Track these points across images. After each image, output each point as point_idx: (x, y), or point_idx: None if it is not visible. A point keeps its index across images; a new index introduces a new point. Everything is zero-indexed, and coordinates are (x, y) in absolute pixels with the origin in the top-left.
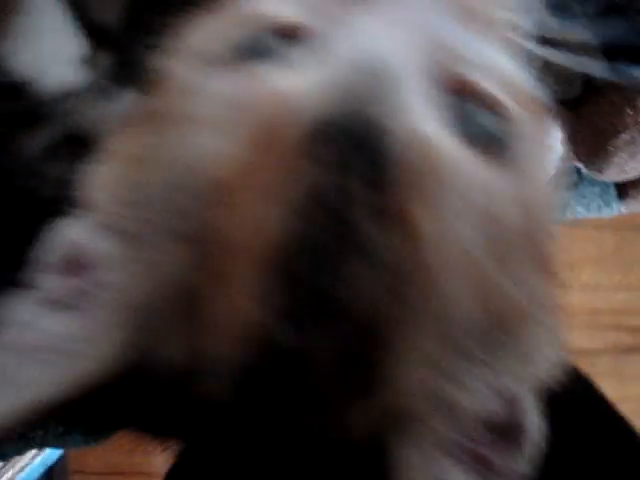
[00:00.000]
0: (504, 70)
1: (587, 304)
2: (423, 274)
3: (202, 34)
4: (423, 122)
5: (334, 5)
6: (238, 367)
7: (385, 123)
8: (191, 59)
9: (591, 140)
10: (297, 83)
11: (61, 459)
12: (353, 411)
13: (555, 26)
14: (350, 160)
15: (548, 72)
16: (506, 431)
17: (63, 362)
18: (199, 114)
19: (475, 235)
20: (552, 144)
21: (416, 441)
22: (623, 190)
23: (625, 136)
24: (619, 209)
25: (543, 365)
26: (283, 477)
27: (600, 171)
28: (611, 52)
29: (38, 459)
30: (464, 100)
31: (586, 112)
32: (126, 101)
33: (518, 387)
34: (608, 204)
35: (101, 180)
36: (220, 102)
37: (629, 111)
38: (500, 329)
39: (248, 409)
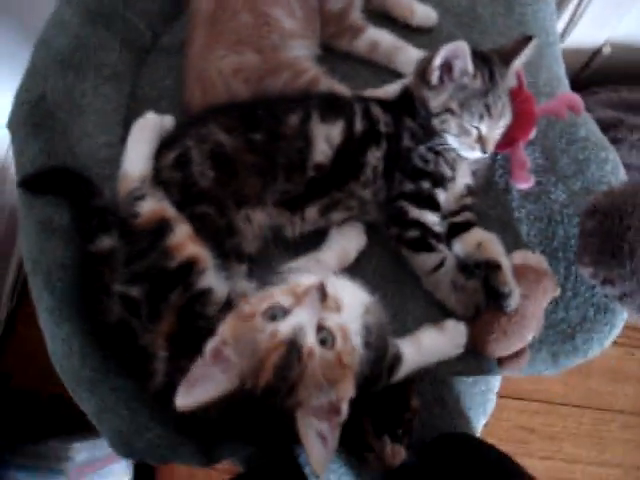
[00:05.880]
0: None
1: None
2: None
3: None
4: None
5: (293, 303)
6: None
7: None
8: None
9: (478, 338)
10: (283, 328)
11: None
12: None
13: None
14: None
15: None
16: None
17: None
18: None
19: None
20: None
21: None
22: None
23: (494, 335)
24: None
25: None
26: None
27: (484, 353)
28: None
29: None
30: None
31: (474, 322)
32: None
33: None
34: None
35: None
36: (262, 336)
37: (496, 324)
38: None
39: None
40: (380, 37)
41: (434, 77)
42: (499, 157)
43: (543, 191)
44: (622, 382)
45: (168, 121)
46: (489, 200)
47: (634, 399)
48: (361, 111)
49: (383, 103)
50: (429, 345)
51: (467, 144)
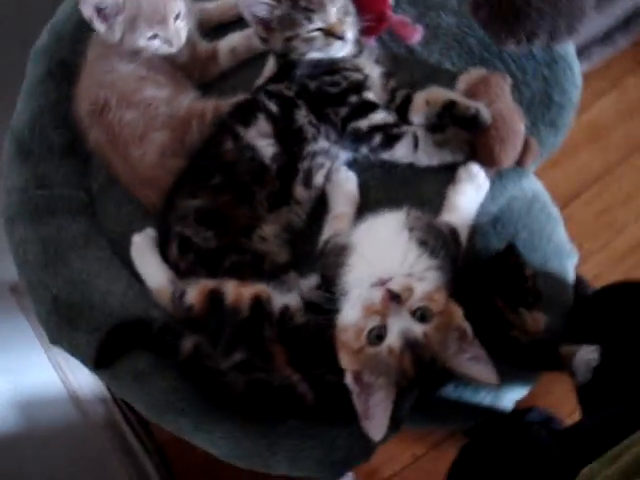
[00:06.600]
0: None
1: None
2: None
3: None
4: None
5: (382, 317)
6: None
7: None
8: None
9: (488, 162)
10: (393, 342)
11: None
12: None
13: None
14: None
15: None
16: None
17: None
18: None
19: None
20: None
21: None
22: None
23: (497, 149)
24: None
25: None
26: None
27: (502, 167)
28: None
29: None
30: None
31: (476, 154)
32: None
33: None
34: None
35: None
36: (384, 357)
37: (490, 140)
38: None
39: None
40: (232, 42)
41: (261, 33)
42: (385, 36)
43: (435, 28)
44: (627, 121)
45: (150, 232)
46: (406, 70)
47: None
48: (266, 96)
49: (273, 78)
50: (463, 201)
51: (325, 46)
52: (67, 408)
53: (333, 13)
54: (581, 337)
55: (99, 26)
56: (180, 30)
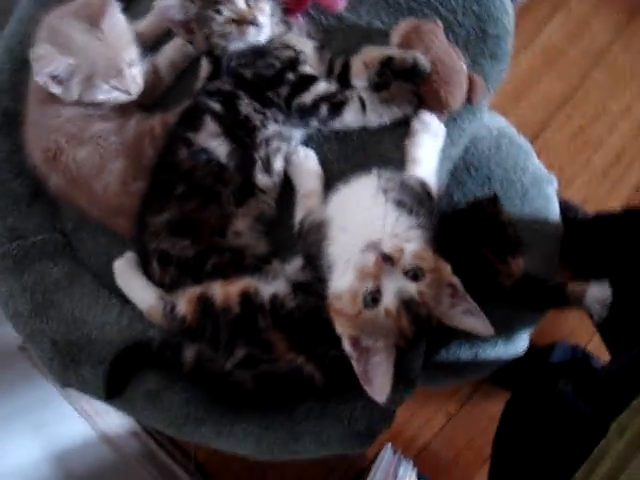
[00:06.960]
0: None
1: None
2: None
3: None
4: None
5: (376, 280)
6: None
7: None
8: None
9: (438, 107)
10: (389, 303)
11: None
12: None
13: None
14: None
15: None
16: None
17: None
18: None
19: None
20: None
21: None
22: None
23: (442, 92)
24: None
25: None
26: None
27: (453, 109)
28: None
29: None
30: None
31: (426, 103)
32: None
33: None
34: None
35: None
36: (381, 319)
37: (435, 85)
38: None
39: None
40: (168, 55)
41: (184, 37)
42: (312, 11)
43: None
44: (578, 40)
45: (130, 255)
46: (339, 39)
47: (608, 33)
48: (206, 96)
49: (210, 78)
50: (423, 152)
51: (241, 34)
52: (102, 450)
53: (241, 1)
54: (583, 267)
55: (55, 89)
56: (136, 76)
